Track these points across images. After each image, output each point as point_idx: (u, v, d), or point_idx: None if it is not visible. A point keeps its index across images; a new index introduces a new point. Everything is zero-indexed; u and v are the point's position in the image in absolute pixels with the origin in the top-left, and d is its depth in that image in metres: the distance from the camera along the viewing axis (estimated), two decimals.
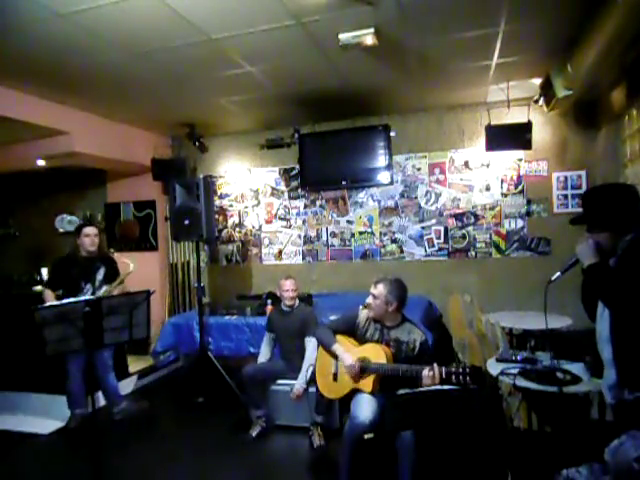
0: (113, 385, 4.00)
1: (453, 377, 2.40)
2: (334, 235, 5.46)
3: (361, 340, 2.89)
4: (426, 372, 2.48)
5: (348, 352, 2.85)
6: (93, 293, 3.75)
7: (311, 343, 3.49)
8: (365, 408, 2.61)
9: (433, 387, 2.42)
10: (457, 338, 4.16)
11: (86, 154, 4.67)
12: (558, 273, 2.16)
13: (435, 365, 2.47)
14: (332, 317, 3.67)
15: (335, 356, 2.93)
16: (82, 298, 2.82)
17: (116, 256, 4.23)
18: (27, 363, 4.27)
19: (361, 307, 2.99)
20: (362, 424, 2.53)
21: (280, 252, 5.67)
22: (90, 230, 3.87)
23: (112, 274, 3.91)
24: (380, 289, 2.78)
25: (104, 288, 3.80)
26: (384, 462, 2.66)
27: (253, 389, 3.61)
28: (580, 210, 2.08)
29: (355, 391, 2.78)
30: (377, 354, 2.75)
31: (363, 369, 2.76)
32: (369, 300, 2.84)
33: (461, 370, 2.39)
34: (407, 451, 2.48)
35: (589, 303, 2.05)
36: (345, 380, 2.87)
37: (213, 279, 5.93)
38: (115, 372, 4.02)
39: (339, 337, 2.97)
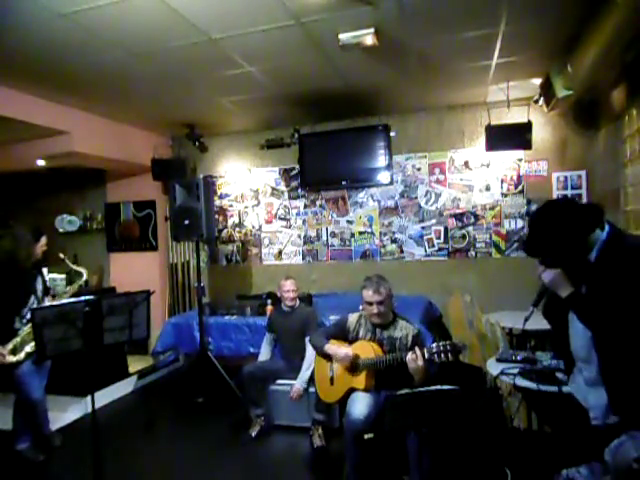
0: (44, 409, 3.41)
1: (435, 356, 2.52)
2: (334, 235, 5.46)
3: (353, 343, 2.92)
4: (409, 356, 2.56)
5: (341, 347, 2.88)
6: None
7: None
8: (358, 405, 2.63)
9: (433, 387, 2.43)
10: (457, 338, 4.15)
11: (86, 154, 4.67)
12: (531, 308, 2.08)
13: (417, 348, 2.58)
14: (332, 317, 3.68)
15: (329, 357, 2.95)
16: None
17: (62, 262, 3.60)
18: None
19: (358, 313, 3.01)
20: (357, 420, 2.55)
21: (280, 252, 5.67)
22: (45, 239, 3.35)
23: (45, 282, 3.44)
24: (383, 291, 2.78)
25: (46, 300, 3.31)
26: (394, 462, 2.66)
27: (253, 388, 3.62)
28: None
29: (351, 391, 2.80)
30: (365, 350, 2.79)
31: (355, 366, 2.80)
32: (374, 310, 2.78)
33: (442, 348, 2.52)
34: (416, 450, 2.48)
35: (551, 317, 2.06)
36: (341, 383, 2.90)
37: (213, 279, 5.92)
38: (115, 372, 3.90)
39: (332, 341, 2.99)
